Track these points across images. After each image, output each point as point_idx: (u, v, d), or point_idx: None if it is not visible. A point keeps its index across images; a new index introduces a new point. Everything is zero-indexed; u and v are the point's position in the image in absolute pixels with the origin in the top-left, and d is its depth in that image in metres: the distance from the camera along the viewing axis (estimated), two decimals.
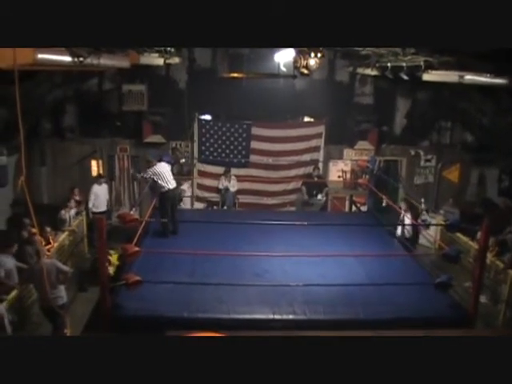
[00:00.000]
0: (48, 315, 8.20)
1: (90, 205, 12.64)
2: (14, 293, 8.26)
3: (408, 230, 11.96)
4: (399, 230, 12.02)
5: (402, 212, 11.75)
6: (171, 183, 10.35)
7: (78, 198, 12.66)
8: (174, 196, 10.66)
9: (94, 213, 12.48)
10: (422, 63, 9.06)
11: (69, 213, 11.83)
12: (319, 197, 14.10)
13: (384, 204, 12.65)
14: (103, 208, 12.97)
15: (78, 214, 12.36)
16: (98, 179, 13.17)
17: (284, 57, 13.21)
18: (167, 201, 10.38)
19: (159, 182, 10.16)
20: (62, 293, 8.28)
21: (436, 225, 12.35)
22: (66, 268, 8.41)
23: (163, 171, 10.24)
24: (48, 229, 10.37)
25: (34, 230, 9.02)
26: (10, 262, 8.60)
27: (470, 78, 8.84)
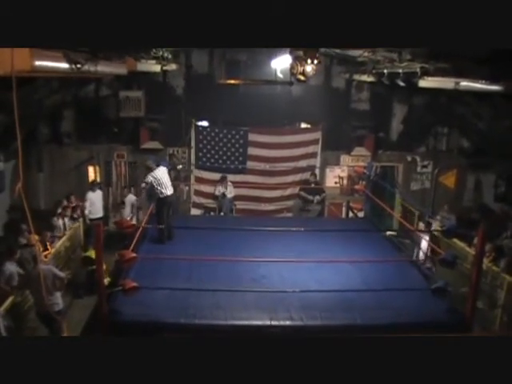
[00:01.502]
0: (44, 321, 8.18)
1: (86, 212, 12.63)
2: (10, 298, 8.25)
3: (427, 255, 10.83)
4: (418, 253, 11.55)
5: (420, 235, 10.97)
6: (169, 189, 10.36)
7: (73, 204, 12.67)
8: (172, 202, 10.66)
9: (90, 219, 12.47)
10: (418, 69, 9.10)
11: (63, 219, 11.81)
12: (315, 200, 14.10)
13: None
14: (99, 214, 12.97)
15: (74, 219, 12.37)
16: (92, 186, 13.15)
17: (281, 63, 13.25)
18: (164, 206, 10.39)
19: (157, 187, 10.15)
20: (58, 299, 8.28)
21: (432, 230, 12.36)
22: (62, 274, 8.41)
23: (162, 176, 10.25)
24: (48, 234, 10.39)
25: (33, 236, 9.03)
26: (12, 267, 8.65)
27: (465, 84, 8.88)
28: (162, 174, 10.30)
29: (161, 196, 10.25)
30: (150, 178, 10.17)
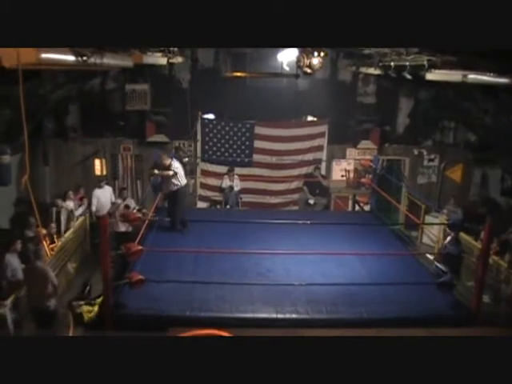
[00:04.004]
0: (41, 318, 7.96)
1: (94, 208, 12.58)
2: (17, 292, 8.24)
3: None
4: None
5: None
6: (184, 180, 10.61)
7: (80, 196, 12.72)
8: (186, 192, 10.93)
9: (97, 217, 12.40)
10: (425, 62, 9.04)
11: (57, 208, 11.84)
12: (311, 201, 14.08)
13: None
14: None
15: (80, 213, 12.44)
16: (98, 183, 13.06)
17: (287, 56, 13.23)
18: (184, 196, 10.75)
19: (174, 179, 10.33)
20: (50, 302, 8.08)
21: (438, 224, 12.33)
22: (55, 281, 8.17)
23: (179, 168, 10.48)
24: (54, 226, 10.41)
25: (39, 229, 9.03)
26: (15, 262, 8.57)
27: (473, 77, 8.82)
28: (178, 166, 10.53)
29: (177, 187, 10.44)
30: (176, 165, 10.40)
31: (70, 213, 12.05)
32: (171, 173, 10.26)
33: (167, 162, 10.34)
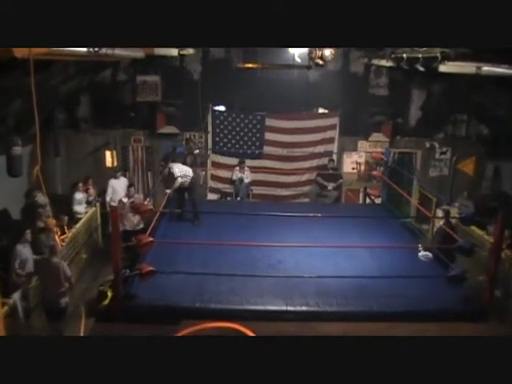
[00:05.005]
0: (52, 313, 8.00)
1: (108, 198, 12.64)
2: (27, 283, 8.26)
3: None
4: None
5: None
6: (191, 172, 10.75)
7: (85, 187, 12.77)
8: (197, 183, 11.39)
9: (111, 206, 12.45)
10: (438, 54, 8.96)
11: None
12: (330, 187, 14.05)
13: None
14: None
15: (90, 203, 12.48)
16: (114, 173, 13.13)
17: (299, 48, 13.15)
18: (195, 187, 11.08)
19: (186, 178, 10.47)
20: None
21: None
22: (71, 276, 8.24)
23: (183, 168, 10.63)
24: (65, 218, 10.44)
25: (50, 220, 9.05)
26: (26, 252, 8.58)
27: (487, 69, 8.71)
28: (181, 167, 10.74)
29: (187, 182, 10.61)
30: (175, 169, 10.48)
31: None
32: (178, 183, 10.41)
33: (168, 172, 10.46)
